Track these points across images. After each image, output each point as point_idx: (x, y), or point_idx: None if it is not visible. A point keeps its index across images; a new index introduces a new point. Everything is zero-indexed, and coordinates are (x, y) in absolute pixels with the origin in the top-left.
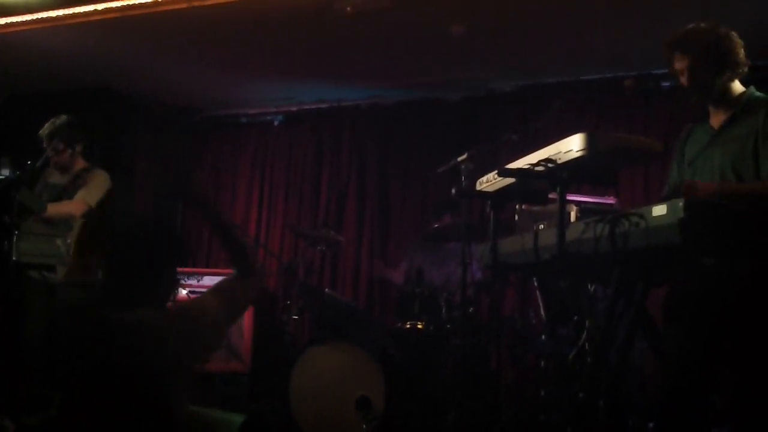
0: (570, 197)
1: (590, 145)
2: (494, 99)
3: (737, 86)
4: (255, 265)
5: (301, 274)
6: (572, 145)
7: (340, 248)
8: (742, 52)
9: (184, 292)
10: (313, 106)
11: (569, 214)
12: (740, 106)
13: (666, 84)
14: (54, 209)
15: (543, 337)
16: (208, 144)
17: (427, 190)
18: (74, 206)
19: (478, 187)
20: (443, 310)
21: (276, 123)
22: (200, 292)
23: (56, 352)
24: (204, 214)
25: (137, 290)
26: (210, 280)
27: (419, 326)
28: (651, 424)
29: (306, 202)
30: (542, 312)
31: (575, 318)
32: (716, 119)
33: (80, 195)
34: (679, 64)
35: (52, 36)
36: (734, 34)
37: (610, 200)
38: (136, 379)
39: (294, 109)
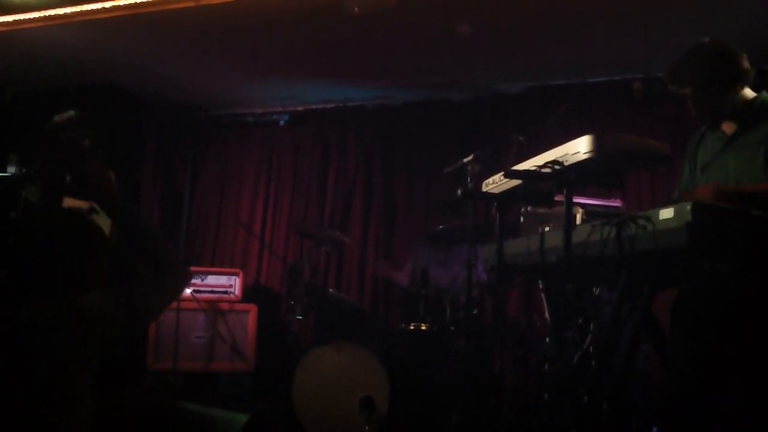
0: (576, 199)
1: (597, 147)
2: (500, 100)
3: (747, 92)
4: (170, 266)
5: (306, 275)
6: (579, 147)
7: (345, 249)
8: (743, 63)
9: (188, 291)
10: (319, 106)
11: (575, 216)
12: (752, 112)
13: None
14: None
15: (547, 339)
16: (214, 143)
17: (433, 190)
18: (80, 202)
19: (484, 189)
20: (448, 312)
21: (282, 123)
22: (205, 292)
23: None
24: (106, 208)
25: (37, 284)
26: (215, 280)
27: (423, 327)
28: (655, 429)
29: (311, 203)
30: (547, 314)
31: (580, 321)
32: (728, 125)
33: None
34: (683, 92)
35: (60, 34)
36: (731, 48)
37: (617, 203)
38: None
39: (300, 108)
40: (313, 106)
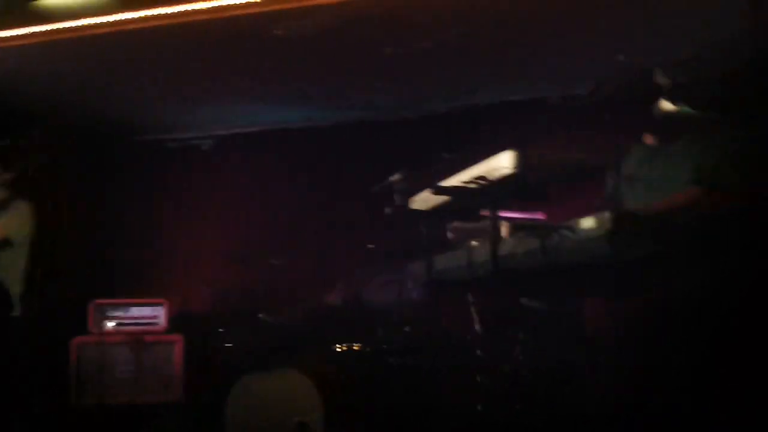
0: (502, 213)
1: (520, 161)
2: (427, 119)
3: (667, 104)
4: None
5: (233, 300)
6: (503, 162)
7: (275, 271)
8: (659, 78)
9: (111, 324)
10: (244, 130)
11: (501, 229)
12: (673, 124)
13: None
14: None
15: (478, 352)
16: (137, 170)
17: (364, 210)
18: None
19: (412, 206)
20: (379, 331)
21: (204, 147)
22: (129, 324)
23: None
24: None
25: None
26: (138, 311)
27: (356, 347)
28: None
29: (240, 227)
30: (477, 327)
31: (510, 332)
32: (650, 137)
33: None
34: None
35: None
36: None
37: (541, 215)
38: None
39: (223, 132)
40: (238, 130)
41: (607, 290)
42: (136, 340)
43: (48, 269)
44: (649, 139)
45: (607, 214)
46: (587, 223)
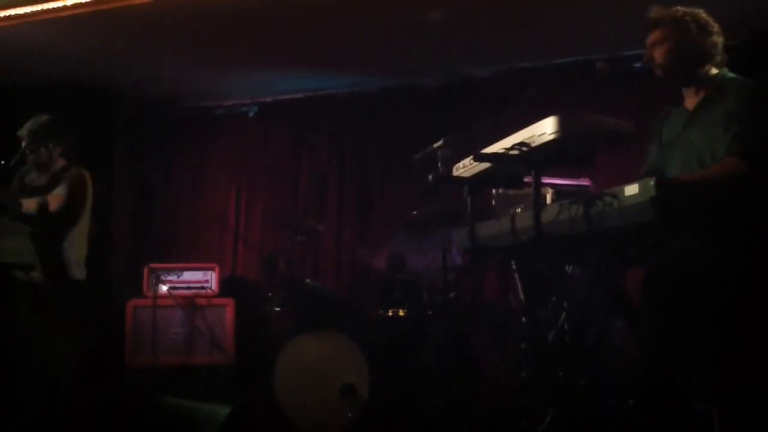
0: (545, 180)
1: (563, 127)
2: (471, 84)
3: (712, 69)
4: None
5: (282, 266)
6: (545, 128)
7: (320, 238)
8: (721, 42)
9: (164, 288)
10: (289, 96)
11: (545, 196)
12: (714, 88)
13: (638, 65)
14: (28, 205)
15: (523, 319)
16: (184, 137)
17: (407, 177)
18: (51, 205)
19: (455, 173)
20: (424, 296)
21: (251, 114)
22: (181, 288)
23: None
24: None
25: None
26: (190, 275)
27: (401, 313)
28: (631, 402)
29: (285, 193)
30: (521, 295)
31: (553, 299)
32: (690, 101)
33: (57, 192)
34: (658, 47)
35: (22, 33)
36: (715, 24)
37: (585, 182)
38: None
39: (269, 100)
40: (282, 97)
41: (650, 257)
42: (189, 303)
43: (105, 235)
44: (693, 105)
45: (651, 181)
46: (631, 189)
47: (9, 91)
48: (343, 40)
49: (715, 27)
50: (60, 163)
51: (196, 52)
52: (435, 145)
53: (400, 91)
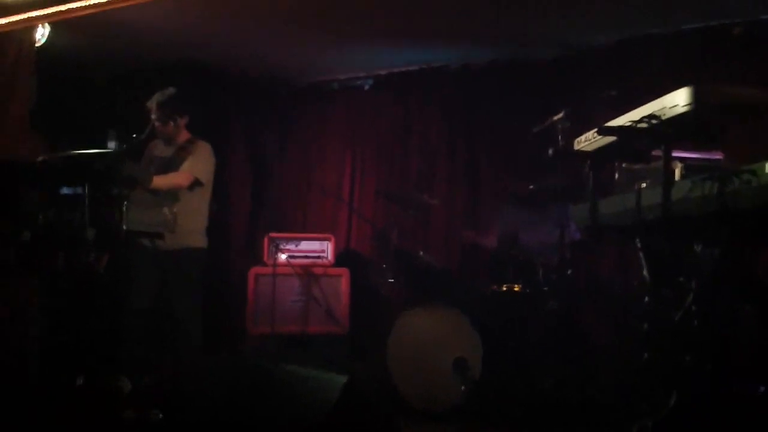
0: (674, 153)
1: (697, 99)
2: (590, 55)
3: None
4: None
5: (394, 239)
6: (677, 100)
7: (431, 212)
8: None
9: (283, 256)
10: (402, 69)
11: (674, 171)
12: None
13: None
14: (161, 181)
15: (646, 299)
16: (298, 112)
17: (520, 151)
18: (182, 178)
19: (576, 147)
20: (540, 273)
21: (366, 87)
22: (298, 257)
23: None
24: None
25: None
26: (308, 245)
27: (516, 289)
28: (762, 388)
29: (397, 167)
30: (645, 273)
31: (680, 279)
32: None
33: (186, 166)
34: None
35: (140, 14)
36: None
37: (718, 155)
38: None
39: (383, 72)
40: (396, 69)
41: None
42: (306, 272)
43: (225, 206)
44: None
45: None
46: None
47: (130, 75)
48: (456, 11)
49: None
50: (184, 135)
51: (310, 27)
52: (555, 118)
53: (515, 63)
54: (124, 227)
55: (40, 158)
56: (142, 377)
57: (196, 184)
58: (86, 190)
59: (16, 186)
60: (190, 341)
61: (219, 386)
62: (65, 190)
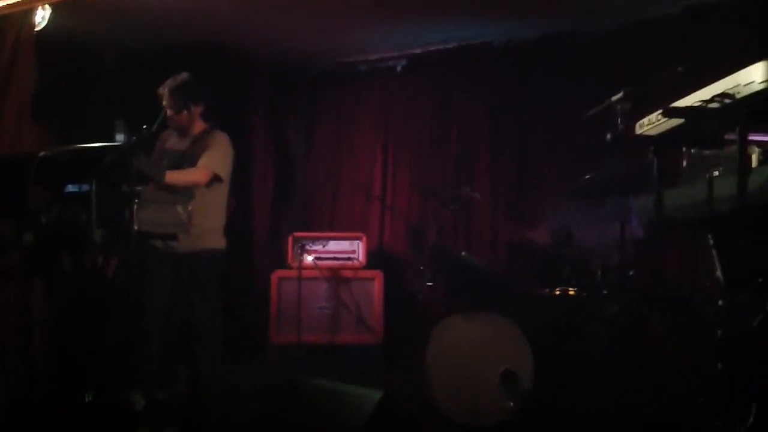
0: (751, 137)
1: None
2: (653, 26)
3: None
4: None
5: (432, 237)
6: (754, 76)
7: (474, 207)
8: None
9: (309, 258)
10: (440, 47)
11: (750, 157)
12: None
13: None
14: (176, 177)
15: (719, 302)
16: (326, 98)
17: (573, 137)
18: (199, 175)
19: (638, 131)
20: (598, 274)
21: (399, 69)
22: (326, 259)
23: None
24: None
25: None
26: (336, 245)
27: (570, 292)
28: None
29: (435, 156)
30: (718, 274)
31: (759, 280)
32: None
33: (204, 162)
34: None
35: None
36: None
37: None
38: None
39: (418, 51)
40: (433, 48)
41: None
42: (335, 275)
43: (245, 203)
44: None
45: None
46: None
47: (142, 57)
48: None
49: None
50: (199, 125)
51: (335, 4)
52: (613, 99)
53: (564, 37)
54: (135, 227)
55: (42, 153)
56: (156, 392)
57: (214, 179)
58: (93, 188)
59: (17, 184)
60: (208, 352)
61: (239, 402)
62: (70, 188)
